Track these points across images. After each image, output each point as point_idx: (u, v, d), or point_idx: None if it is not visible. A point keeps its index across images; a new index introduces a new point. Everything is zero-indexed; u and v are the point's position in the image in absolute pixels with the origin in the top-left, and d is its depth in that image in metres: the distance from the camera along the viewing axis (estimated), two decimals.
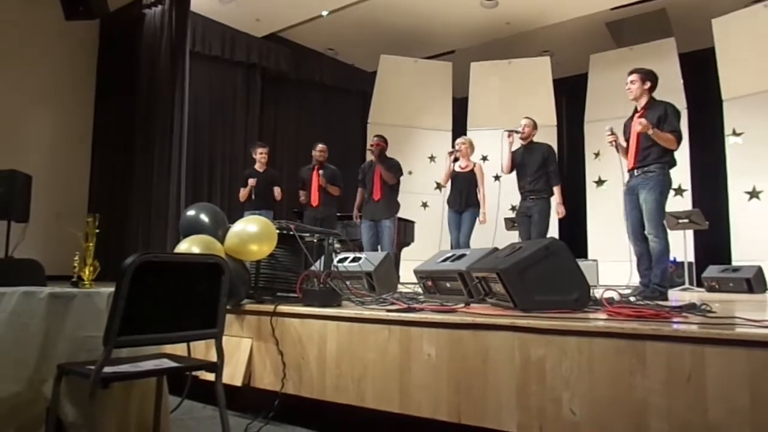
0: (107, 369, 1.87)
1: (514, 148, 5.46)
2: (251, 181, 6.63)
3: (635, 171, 4.18)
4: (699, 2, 8.00)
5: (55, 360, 2.16)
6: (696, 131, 8.09)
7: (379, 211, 5.91)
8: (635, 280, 4.36)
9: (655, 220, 4.02)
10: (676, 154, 7.91)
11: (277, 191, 6.80)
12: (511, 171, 5.45)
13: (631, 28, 8.88)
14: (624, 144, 4.33)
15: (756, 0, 7.51)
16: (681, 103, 8.07)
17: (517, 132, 5.40)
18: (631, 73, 4.28)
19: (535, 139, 5.45)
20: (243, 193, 6.71)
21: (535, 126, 5.44)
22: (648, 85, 4.19)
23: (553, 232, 7.36)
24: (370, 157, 6.09)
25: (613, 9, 8.36)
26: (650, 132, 4.00)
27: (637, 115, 4.22)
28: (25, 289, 2.28)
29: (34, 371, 2.20)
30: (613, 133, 4.34)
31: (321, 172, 6.38)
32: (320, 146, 6.54)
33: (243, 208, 6.63)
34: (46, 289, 2.33)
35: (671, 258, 7.46)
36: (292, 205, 7.67)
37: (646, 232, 4.11)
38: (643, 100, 4.20)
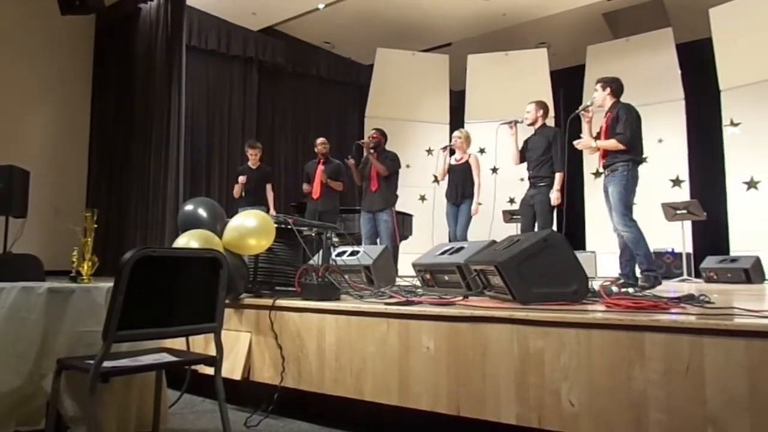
0: (107, 363, 1.88)
1: (526, 137, 5.27)
2: (241, 179, 6.65)
3: (605, 170, 4.42)
4: None
5: (55, 355, 2.17)
6: (694, 121, 8.09)
7: (375, 202, 5.91)
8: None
9: (619, 212, 4.20)
10: (676, 145, 7.91)
11: (269, 189, 6.80)
12: (522, 161, 5.26)
13: (627, 19, 8.86)
14: (582, 137, 4.56)
15: None
16: (678, 93, 8.08)
17: (519, 122, 5.28)
18: (596, 83, 4.57)
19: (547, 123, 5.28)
20: (236, 189, 6.73)
21: (540, 107, 5.19)
22: (608, 90, 4.45)
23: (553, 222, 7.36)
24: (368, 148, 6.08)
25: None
26: (592, 146, 4.38)
27: (605, 118, 4.45)
28: (23, 285, 2.28)
29: (33, 366, 2.21)
30: (586, 113, 4.54)
31: (323, 167, 6.38)
32: (320, 140, 6.57)
33: (236, 205, 6.64)
34: (44, 284, 2.33)
35: (669, 249, 7.50)
36: (290, 199, 7.66)
37: (615, 225, 4.29)
38: (608, 104, 4.46)
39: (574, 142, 4.54)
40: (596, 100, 4.52)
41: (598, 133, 4.46)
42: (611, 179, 4.30)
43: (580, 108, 4.56)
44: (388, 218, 5.86)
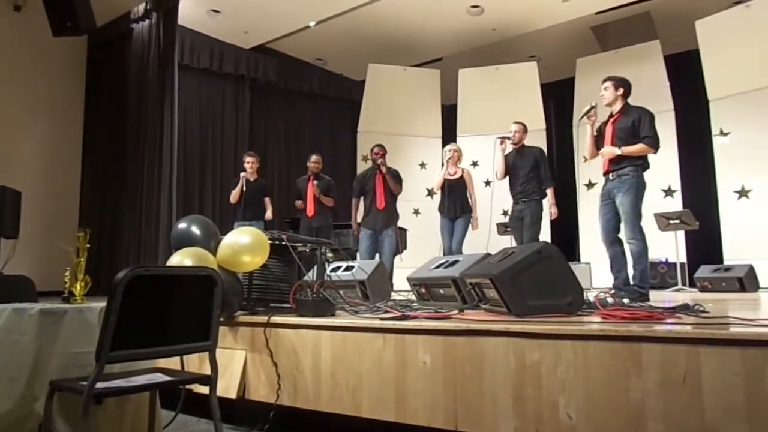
0: (100, 384, 1.85)
1: (506, 153, 5.47)
2: (243, 174, 6.51)
3: (610, 175, 4.25)
4: (682, 5, 8.09)
5: (47, 376, 2.14)
6: (683, 132, 8.16)
7: (381, 221, 5.85)
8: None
9: (632, 221, 4.06)
10: (667, 156, 7.98)
11: (268, 203, 6.75)
12: (504, 177, 5.44)
13: (616, 32, 8.96)
14: (594, 132, 4.41)
15: (737, 1, 7.60)
16: (668, 104, 8.16)
17: (508, 138, 5.41)
18: (605, 80, 4.38)
19: (526, 143, 5.48)
20: (234, 193, 6.55)
21: (525, 129, 5.47)
22: (621, 91, 4.28)
23: (545, 235, 7.37)
24: (367, 165, 6.08)
25: (597, 13, 8.44)
26: (617, 152, 4.12)
27: (611, 120, 4.30)
28: (15, 306, 2.26)
29: (25, 388, 2.18)
30: (594, 113, 4.39)
31: (316, 183, 6.37)
32: (314, 157, 6.54)
33: (234, 219, 6.58)
34: (36, 305, 2.31)
35: (663, 259, 7.53)
36: (283, 215, 7.64)
37: (624, 235, 4.15)
38: (617, 106, 4.29)
39: (601, 151, 4.29)
40: (606, 98, 4.31)
41: (597, 136, 4.36)
42: (620, 186, 4.12)
43: (585, 111, 4.41)
44: (393, 233, 5.85)
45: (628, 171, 4.11)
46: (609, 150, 4.18)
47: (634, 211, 4.06)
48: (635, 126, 4.13)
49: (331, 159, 10.17)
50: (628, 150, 4.09)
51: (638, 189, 4.09)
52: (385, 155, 5.98)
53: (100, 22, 7.33)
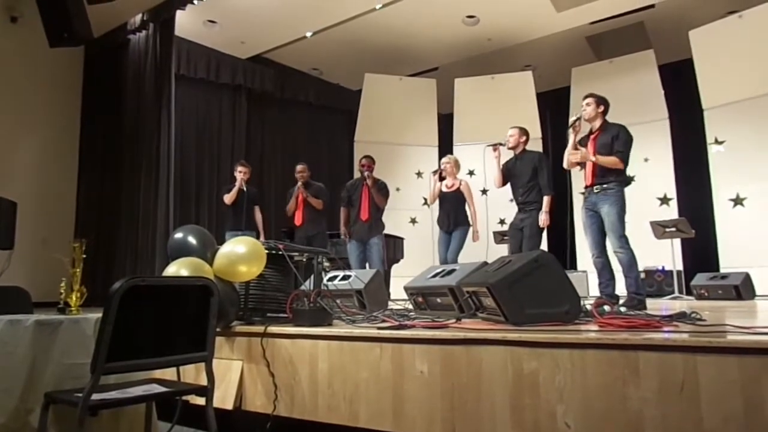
0: (95, 396, 1.84)
1: (505, 160, 5.30)
2: (241, 177, 6.50)
3: (594, 188, 4.38)
4: (675, 15, 8.15)
5: (42, 388, 2.13)
6: (678, 140, 8.20)
7: (366, 232, 5.86)
8: (621, 289, 4.39)
9: (618, 232, 4.19)
10: (662, 164, 8.02)
11: (257, 212, 6.70)
12: (503, 185, 5.28)
13: (610, 42, 9.02)
14: (580, 148, 4.47)
15: (730, 11, 7.67)
16: (662, 113, 8.20)
17: (501, 144, 5.29)
18: (586, 97, 4.53)
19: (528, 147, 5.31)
20: (230, 195, 6.46)
21: (523, 133, 5.23)
22: (602, 108, 4.44)
23: (542, 244, 7.38)
24: (360, 175, 6.05)
25: (592, 23, 8.50)
26: (591, 159, 4.32)
27: (592, 136, 4.45)
28: (10, 318, 2.25)
29: (20, 401, 2.17)
30: (578, 125, 4.49)
31: (304, 190, 6.35)
32: (299, 167, 6.45)
33: (224, 228, 6.55)
34: (31, 316, 2.30)
35: (660, 267, 7.54)
36: (279, 224, 7.62)
37: (611, 245, 4.27)
38: (597, 123, 4.46)
39: (571, 155, 4.45)
40: (587, 114, 4.44)
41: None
42: (605, 199, 4.27)
43: (573, 121, 4.50)
44: (379, 241, 5.85)
45: (613, 185, 4.27)
46: (585, 153, 4.37)
47: (620, 222, 4.20)
48: (612, 142, 4.30)
49: (329, 169, 10.18)
50: (602, 159, 4.28)
51: (622, 201, 4.26)
52: (372, 167, 5.94)
53: (97, 33, 7.36)
